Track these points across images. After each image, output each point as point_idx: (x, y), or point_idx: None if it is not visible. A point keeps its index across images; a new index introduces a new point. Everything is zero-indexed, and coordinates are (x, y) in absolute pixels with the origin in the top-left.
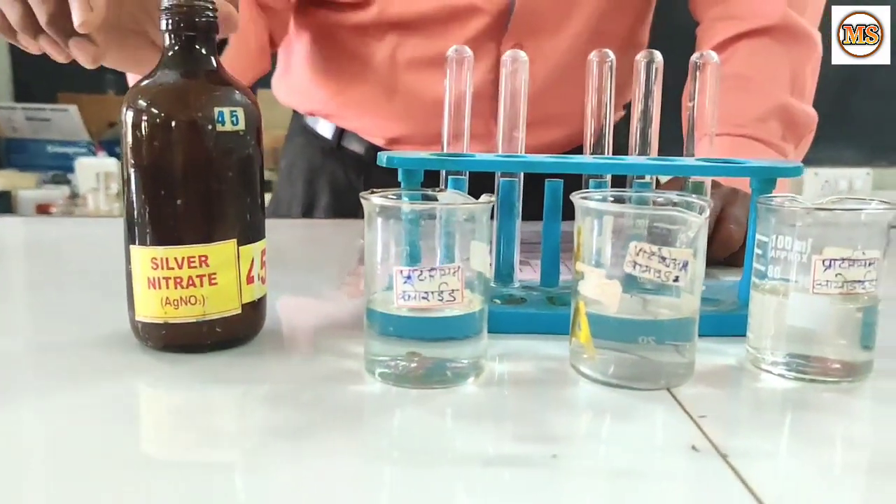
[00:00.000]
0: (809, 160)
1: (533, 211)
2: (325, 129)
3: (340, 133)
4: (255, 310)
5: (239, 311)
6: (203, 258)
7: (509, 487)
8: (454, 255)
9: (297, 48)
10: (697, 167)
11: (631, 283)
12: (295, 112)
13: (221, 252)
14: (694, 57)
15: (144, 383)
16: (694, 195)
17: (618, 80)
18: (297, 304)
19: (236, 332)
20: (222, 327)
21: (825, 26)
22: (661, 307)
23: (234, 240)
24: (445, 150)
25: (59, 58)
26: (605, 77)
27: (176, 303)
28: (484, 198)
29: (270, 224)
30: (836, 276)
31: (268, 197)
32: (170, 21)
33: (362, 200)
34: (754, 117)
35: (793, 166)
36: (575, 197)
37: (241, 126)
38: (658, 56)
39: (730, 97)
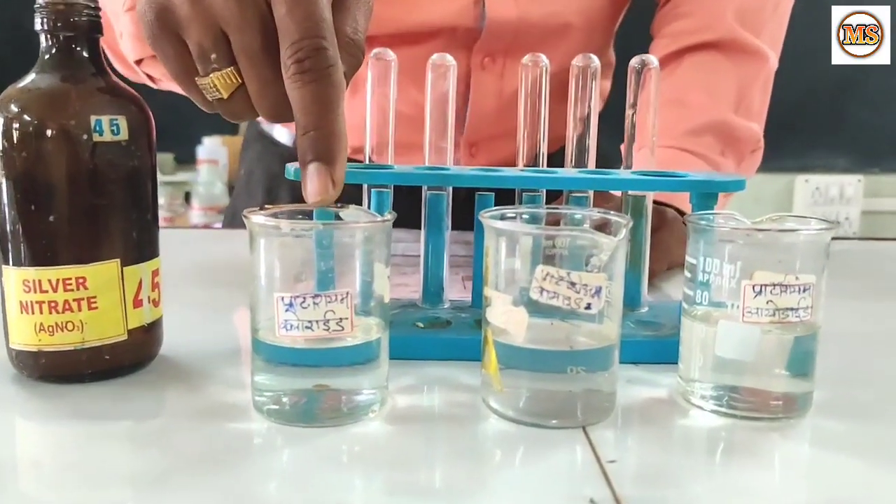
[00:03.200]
0: (800, 167)
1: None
2: (284, 136)
3: None
4: (145, 335)
5: (124, 337)
6: (80, 280)
7: None
8: (352, 278)
9: None
10: (629, 181)
11: (549, 309)
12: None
13: (102, 273)
14: (633, 62)
15: (20, 416)
16: (613, 213)
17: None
18: (211, 325)
19: (122, 360)
20: (108, 355)
21: (825, 26)
22: (580, 335)
23: (117, 260)
24: (367, 162)
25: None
26: (541, 87)
27: (51, 329)
28: (386, 216)
29: (229, 234)
30: (767, 303)
31: None
32: (45, 20)
33: (244, 219)
34: (687, 130)
35: (734, 179)
36: (483, 215)
37: (124, 136)
38: (595, 61)
39: (665, 111)
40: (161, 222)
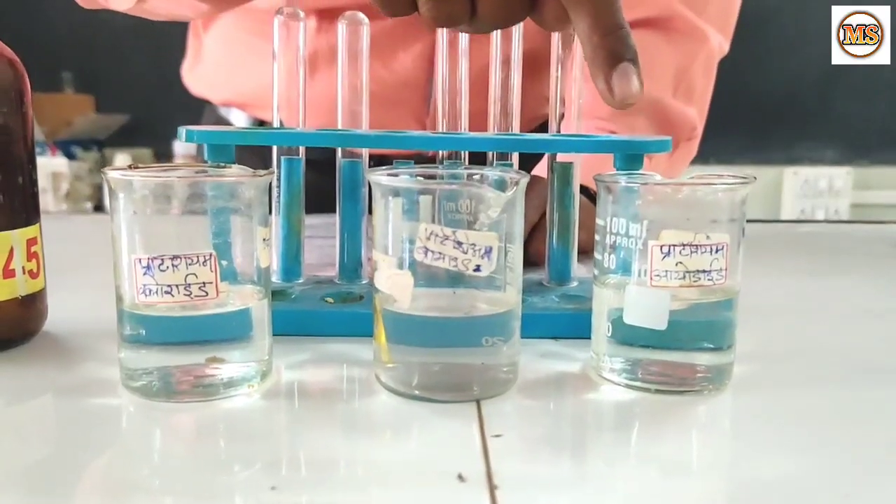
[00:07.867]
0: (789, 159)
1: None
2: (241, 121)
3: (259, 125)
4: (21, 309)
5: None
6: None
7: None
8: (227, 241)
9: (209, 34)
10: (545, 141)
11: (447, 278)
12: (208, 103)
13: None
14: None
15: None
16: (512, 170)
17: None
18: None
19: None
20: None
21: (825, 26)
22: (478, 303)
23: None
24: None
25: None
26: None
27: None
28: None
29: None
30: (676, 265)
31: None
32: None
33: (102, 175)
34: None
35: (658, 139)
36: (369, 171)
37: None
38: None
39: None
40: None
